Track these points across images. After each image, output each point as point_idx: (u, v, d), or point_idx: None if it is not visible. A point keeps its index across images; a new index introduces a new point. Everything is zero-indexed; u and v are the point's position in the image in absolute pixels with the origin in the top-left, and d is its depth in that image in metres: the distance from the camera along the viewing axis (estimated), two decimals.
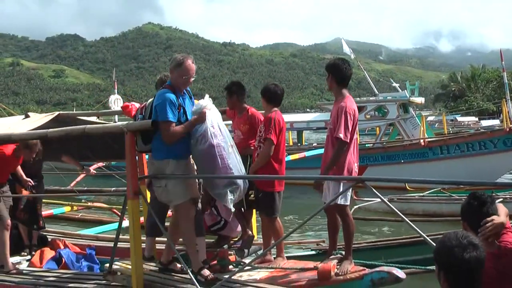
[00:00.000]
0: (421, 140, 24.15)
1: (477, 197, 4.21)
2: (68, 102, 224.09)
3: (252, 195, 7.63)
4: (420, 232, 4.94)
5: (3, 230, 8.14)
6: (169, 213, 7.72)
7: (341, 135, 6.78)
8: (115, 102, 35.04)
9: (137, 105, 7.64)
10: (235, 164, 6.70)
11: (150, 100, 6.85)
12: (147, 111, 6.72)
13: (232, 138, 7.50)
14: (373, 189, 5.16)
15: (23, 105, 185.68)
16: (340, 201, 6.70)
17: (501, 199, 12.55)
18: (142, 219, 7.20)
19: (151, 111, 6.61)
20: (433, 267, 5.68)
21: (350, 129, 6.89)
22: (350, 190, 6.81)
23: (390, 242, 10.63)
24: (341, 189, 6.63)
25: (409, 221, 5.07)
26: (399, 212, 5.19)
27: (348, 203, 6.96)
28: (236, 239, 8.29)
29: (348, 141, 6.90)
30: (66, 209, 13.80)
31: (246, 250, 7.84)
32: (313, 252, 10.15)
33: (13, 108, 78.49)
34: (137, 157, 7.20)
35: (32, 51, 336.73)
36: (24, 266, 8.55)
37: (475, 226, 4.09)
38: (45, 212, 12.79)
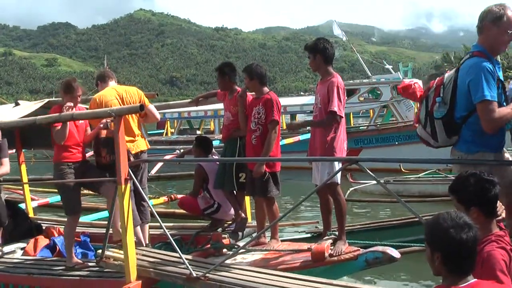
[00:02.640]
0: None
1: (488, 180, 4.05)
2: None
3: (243, 177, 7.63)
4: (415, 212, 4.92)
5: (72, 222, 7.57)
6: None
7: (336, 109, 6.75)
8: None
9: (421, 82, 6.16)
10: None
11: (449, 74, 5.25)
12: (447, 91, 5.09)
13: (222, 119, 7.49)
14: (367, 170, 5.13)
15: (16, 95, 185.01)
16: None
17: None
18: None
19: (454, 91, 5.02)
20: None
21: (343, 104, 6.88)
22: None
23: (385, 224, 10.66)
24: (334, 169, 6.61)
25: (403, 202, 5.05)
26: (393, 193, 5.19)
27: (339, 182, 6.93)
28: (230, 222, 8.29)
29: (343, 115, 6.89)
30: None
31: (240, 233, 7.87)
32: (308, 235, 10.16)
33: (6, 98, 78.33)
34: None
35: (24, 40, 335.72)
36: (18, 254, 8.52)
37: (489, 210, 3.99)
38: (41, 200, 12.76)
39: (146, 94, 8.19)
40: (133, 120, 7.62)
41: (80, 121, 7.49)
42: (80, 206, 7.62)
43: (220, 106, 9.70)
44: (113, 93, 7.56)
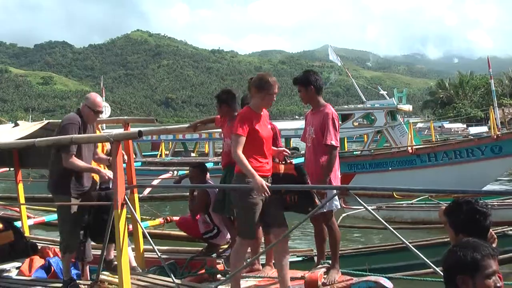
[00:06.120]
0: (409, 148, 24.20)
1: (481, 211, 4.10)
2: (57, 109, 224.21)
3: None
4: (402, 239, 5.01)
5: (243, 246, 6.46)
6: None
7: (334, 142, 6.88)
8: (103, 109, 34.98)
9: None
10: None
11: None
12: None
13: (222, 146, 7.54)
14: (357, 198, 5.23)
15: (11, 112, 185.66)
16: (325, 208, 6.74)
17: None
18: (130, 227, 7.23)
19: None
20: (418, 272, 5.75)
21: (338, 134, 7.02)
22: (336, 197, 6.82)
23: (374, 249, 10.70)
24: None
25: (391, 229, 5.15)
26: (382, 220, 5.28)
27: (333, 209, 7.01)
28: (225, 247, 8.32)
29: (338, 145, 7.03)
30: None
31: None
32: (300, 259, 10.17)
33: (1, 115, 78.37)
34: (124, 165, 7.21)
35: (21, 58, 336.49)
36: (13, 274, 8.53)
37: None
38: (37, 219, 12.81)
39: (145, 119, 8.29)
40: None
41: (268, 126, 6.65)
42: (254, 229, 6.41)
43: (216, 130, 9.75)
44: None
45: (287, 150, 6.89)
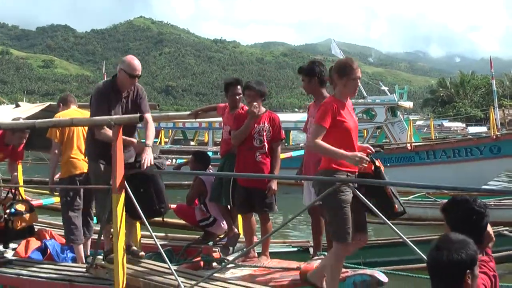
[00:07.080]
0: (408, 144, 24.19)
1: (478, 212, 4.10)
2: (57, 92, 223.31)
3: None
4: (400, 234, 5.02)
5: (339, 252, 5.97)
6: None
7: None
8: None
9: None
10: None
11: None
12: None
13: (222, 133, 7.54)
14: (357, 192, 5.22)
15: (10, 94, 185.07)
16: None
17: None
18: None
19: None
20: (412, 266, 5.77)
21: None
22: None
23: (369, 243, 10.70)
24: None
25: (390, 224, 5.15)
26: (381, 215, 5.27)
27: None
28: (222, 236, 8.33)
29: None
30: (56, 199, 13.87)
31: (231, 248, 7.89)
32: (295, 249, 10.15)
33: (0, 96, 78.23)
34: None
35: (22, 40, 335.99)
36: (9, 255, 8.53)
37: (476, 239, 4.05)
38: (35, 202, 12.78)
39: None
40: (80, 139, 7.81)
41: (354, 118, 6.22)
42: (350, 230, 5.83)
43: (216, 118, 9.70)
44: (74, 114, 7.75)
45: (371, 148, 6.34)
